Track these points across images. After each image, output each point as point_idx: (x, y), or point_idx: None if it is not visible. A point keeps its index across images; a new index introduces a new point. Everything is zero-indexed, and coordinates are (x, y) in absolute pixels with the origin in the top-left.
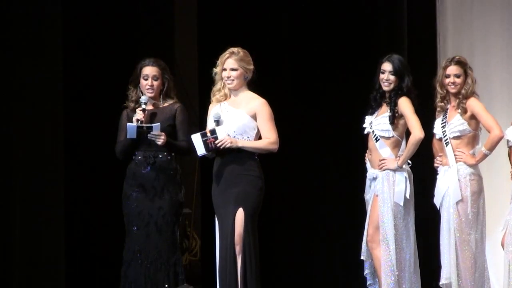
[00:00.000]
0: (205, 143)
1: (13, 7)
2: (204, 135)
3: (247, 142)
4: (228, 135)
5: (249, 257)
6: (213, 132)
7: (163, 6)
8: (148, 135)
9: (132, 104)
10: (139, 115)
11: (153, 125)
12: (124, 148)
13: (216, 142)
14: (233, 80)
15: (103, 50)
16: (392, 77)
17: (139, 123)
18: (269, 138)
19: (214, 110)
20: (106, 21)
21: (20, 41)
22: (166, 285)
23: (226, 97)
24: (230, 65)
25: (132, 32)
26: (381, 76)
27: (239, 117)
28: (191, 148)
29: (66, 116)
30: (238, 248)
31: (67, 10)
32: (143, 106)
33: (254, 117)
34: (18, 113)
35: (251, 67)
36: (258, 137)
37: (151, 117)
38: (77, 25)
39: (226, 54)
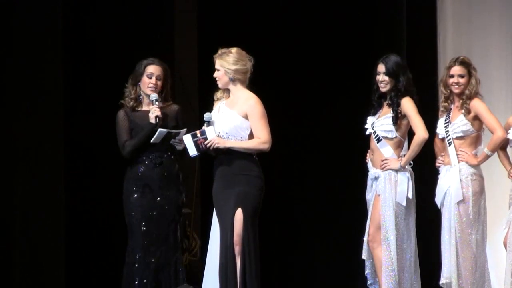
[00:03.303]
0: (196, 144)
1: (12, 6)
2: (194, 136)
3: (235, 142)
4: (218, 135)
5: (248, 257)
6: (203, 133)
7: (163, 6)
8: (172, 140)
9: (131, 102)
10: (157, 111)
11: (181, 130)
12: (135, 149)
13: (206, 142)
14: (217, 80)
15: (103, 50)
16: (386, 78)
17: (157, 120)
18: (260, 138)
19: (214, 109)
20: (106, 21)
21: (21, 41)
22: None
23: (225, 96)
24: (215, 65)
25: (132, 32)
26: (377, 77)
27: (231, 119)
28: None
29: (66, 116)
30: (237, 249)
31: (67, 10)
32: (156, 103)
33: (246, 117)
34: (18, 113)
35: (235, 67)
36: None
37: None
38: (77, 25)
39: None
